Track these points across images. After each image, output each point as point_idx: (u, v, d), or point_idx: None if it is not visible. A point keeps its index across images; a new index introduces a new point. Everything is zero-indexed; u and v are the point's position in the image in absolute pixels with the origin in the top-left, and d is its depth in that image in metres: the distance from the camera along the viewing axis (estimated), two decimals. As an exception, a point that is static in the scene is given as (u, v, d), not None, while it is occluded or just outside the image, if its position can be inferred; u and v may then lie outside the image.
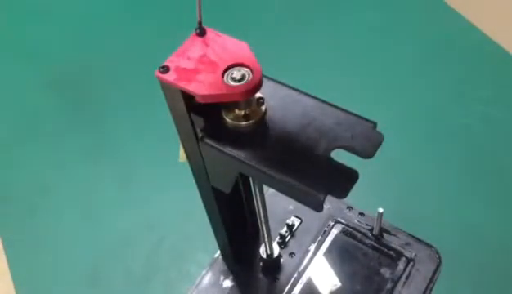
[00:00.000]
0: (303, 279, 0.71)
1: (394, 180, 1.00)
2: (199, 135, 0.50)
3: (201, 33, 0.48)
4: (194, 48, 0.48)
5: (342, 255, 0.73)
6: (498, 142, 1.03)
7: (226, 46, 0.47)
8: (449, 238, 0.87)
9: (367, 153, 0.44)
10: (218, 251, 0.77)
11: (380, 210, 0.70)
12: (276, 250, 0.73)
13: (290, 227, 0.76)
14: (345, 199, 0.43)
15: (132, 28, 1.35)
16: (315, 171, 0.44)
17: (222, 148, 0.47)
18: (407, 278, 0.71)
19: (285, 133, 0.47)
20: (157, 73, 0.47)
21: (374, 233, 0.75)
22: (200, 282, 0.75)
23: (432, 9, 1.26)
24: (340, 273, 0.71)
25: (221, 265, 0.76)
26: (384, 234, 0.75)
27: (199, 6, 0.46)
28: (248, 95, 0.44)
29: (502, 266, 0.88)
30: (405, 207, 0.95)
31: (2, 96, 1.23)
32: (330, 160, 0.44)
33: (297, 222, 0.77)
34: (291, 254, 0.74)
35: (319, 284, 0.71)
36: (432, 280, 0.71)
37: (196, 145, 0.52)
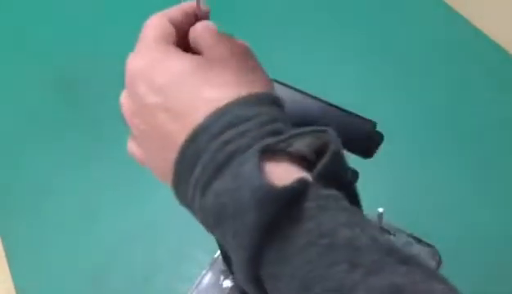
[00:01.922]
0: (303, 279, 0.71)
1: (394, 179, 1.00)
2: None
3: (201, 33, 0.48)
4: (193, 48, 0.47)
5: (342, 255, 0.73)
6: (499, 141, 1.03)
7: (225, 46, 0.47)
8: (449, 238, 0.87)
9: (367, 153, 0.44)
10: (218, 251, 0.77)
11: (380, 210, 0.70)
12: (276, 250, 0.73)
13: (290, 227, 0.76)
14: (345, 199, 0.43)
15: (133, 28, 1.35)
16: (315, 171, 0.44)
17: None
18: (407, 278, 0.70)
19: (284, 133, 0.46)
20: (157, 73, 0.46)
21: (374, 233, 0.74)
22: (200, 282, 0.75)
23: (431, 8, 1.26)
24: (340, 273, 0.71)
25: (221, 265, 0.76)
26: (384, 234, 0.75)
27: (199, 6, 0.46)
28: (248, 95, 0.44)
29: (503, 266, 0.88)
30: (405, 206, 0.94)
31: (3, 96, 1.22)
32: (330, 160, 0.44)
33: (297, 222, 0.77)
34: (291, 254, 0.74)
35: (319, 284, 0.71)
36: (432, 280, 0.71)
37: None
